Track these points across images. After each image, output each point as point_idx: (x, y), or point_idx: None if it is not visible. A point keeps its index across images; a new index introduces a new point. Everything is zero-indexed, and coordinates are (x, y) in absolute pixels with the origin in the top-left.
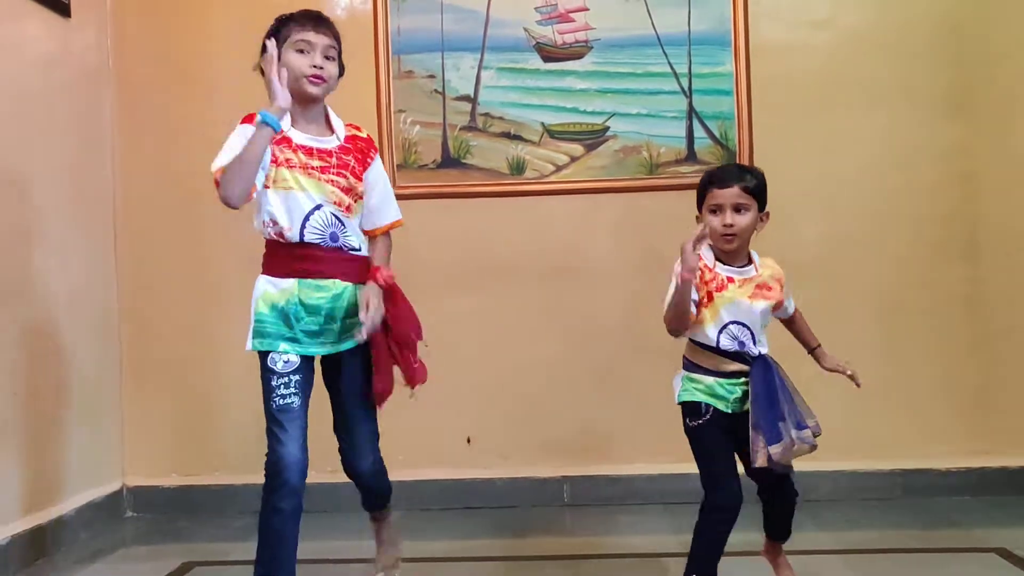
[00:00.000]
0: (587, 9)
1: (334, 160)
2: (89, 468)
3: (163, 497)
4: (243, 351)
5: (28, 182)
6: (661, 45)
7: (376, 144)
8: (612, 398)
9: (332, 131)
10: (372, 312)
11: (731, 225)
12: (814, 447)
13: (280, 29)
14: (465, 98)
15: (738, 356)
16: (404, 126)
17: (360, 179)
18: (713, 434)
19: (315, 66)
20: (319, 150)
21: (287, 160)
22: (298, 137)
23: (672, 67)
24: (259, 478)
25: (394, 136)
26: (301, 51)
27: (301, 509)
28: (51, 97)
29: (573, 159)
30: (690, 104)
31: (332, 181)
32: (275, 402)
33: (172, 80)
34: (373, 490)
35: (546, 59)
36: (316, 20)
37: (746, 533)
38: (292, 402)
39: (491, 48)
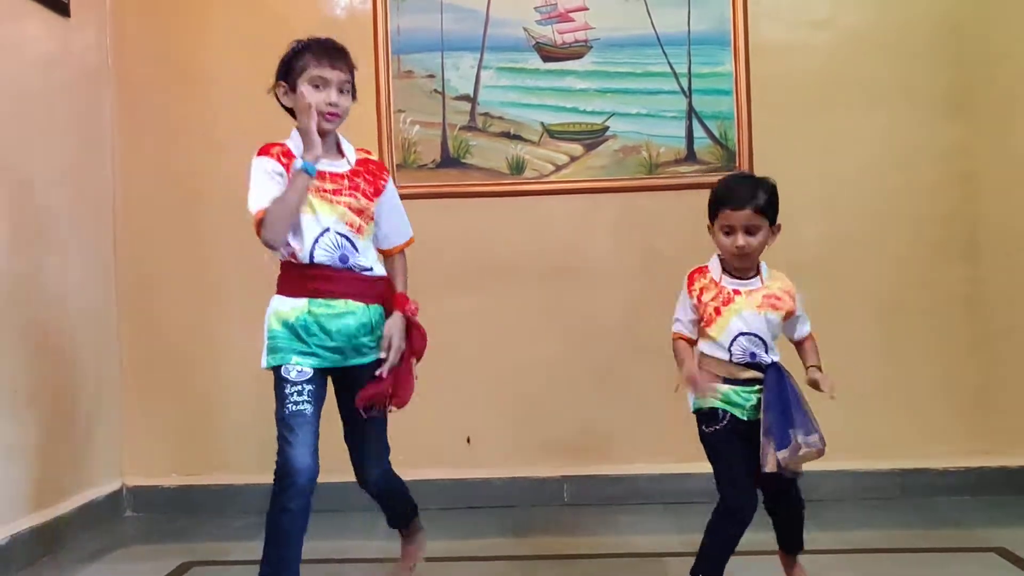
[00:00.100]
0: (587, 9)
1: (346, 183)
2: (89, 468)
3: (163, 497)
4: (243, 351)
5: (28, 182)
6: (661, 45)
7: (386, 167)
8: (612, 398)
9: (343, 155)
10: (393, 352)
11: (743, 247)
12: (821, 452)
13: (296, 59)
14: (465, 98)
15: (752, 364)
16: (404, 126)
17: (372, 200)
18: (729, 439)
19: (331, 103)
20: (332, 174)
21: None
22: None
23: (672, 67)
24: (258, 478)
25: (394, 136)
26: (316, 87)
27: (308, 511)
28: (51, 97)
29: (573, 159)
30: (690, 104)
31: (345, 203)
32: (287, 408)
33: (172, 80)
34: (385, 501)
35: (546, 59)
36: (332, 55)
37: (753, 533)
38: (304, 409)
39: (491, 48)
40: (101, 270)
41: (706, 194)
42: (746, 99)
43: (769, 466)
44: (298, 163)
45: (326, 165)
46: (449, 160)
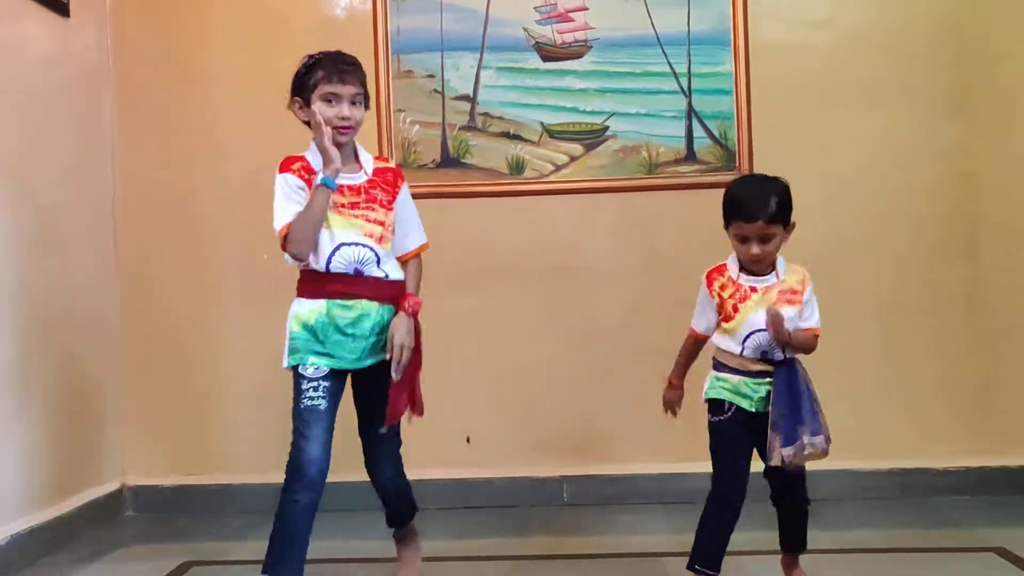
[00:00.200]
0: (586, 9)
1: (363, 196)
2: (89, 467)
3: (163, 497)
4: (242, 351)
5: (28, 182)
6: (660, 45)
7: (403, 174)
8: (611, 398)
9: (360, 166)
10: (396, 351)
11: (758, 255)
12: (826, 452)
13: (309, 75)
14: (464, 98)
15: (762, 359)
16: (403, 126)
17: (390, 209)
18: (732, 431)
19: (343, 117)
20: (349, 187)
21: None
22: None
23: (671, 67)
24: (258, 478)
25: (393, 136)
26: (329, 101)
27: (316, 505)
28: (51, 97)
29: (572, 159)
30: (689, 104)
31: (363, 216)
32: (303, 403)
33: (172, 80)
34: (391, 499)
35: (545, 59)
36: (342, 71)
37: (753, 532)
38: (319, 404)
39: (490, 48)
40: (101, 270)
41: (706, 194)
42: (746, 99)
43: (774, 460)
44: (318, 178)
45: (343, 178)
46: (449, 160)
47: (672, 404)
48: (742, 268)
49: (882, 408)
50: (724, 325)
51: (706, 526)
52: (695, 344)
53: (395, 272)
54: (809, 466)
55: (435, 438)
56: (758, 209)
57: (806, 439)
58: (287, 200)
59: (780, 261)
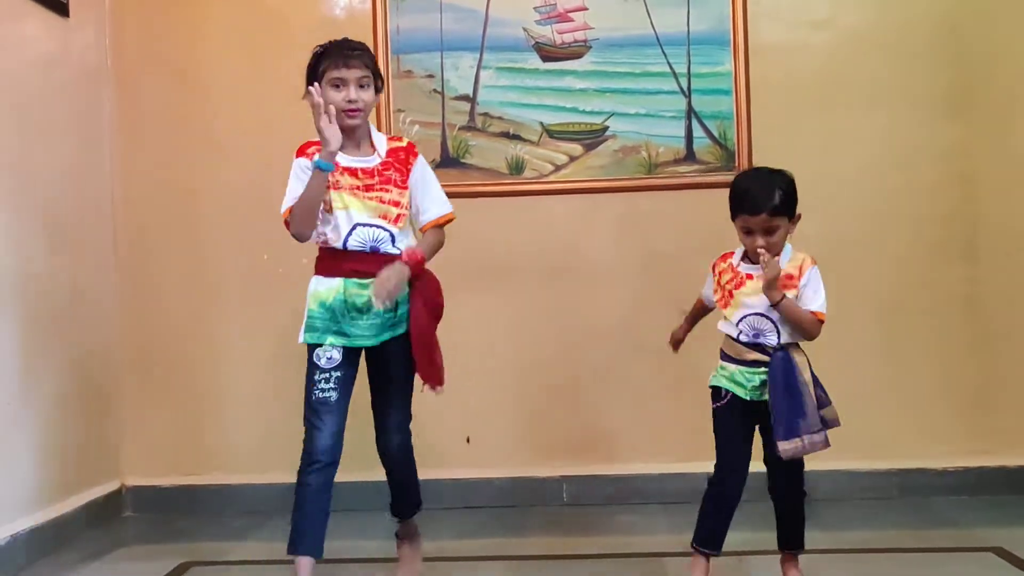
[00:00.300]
0: (586, 9)
1: (376, 178)
2: (88, 468)
3: (162, 497)
4: (242, 350)
5: (27, 182)
6: (660, 45)
7: (416, 149)
8: (611, 398)
9: (374, 149)
10: (380, 282)
11: (763, 246)
12: (827, 445)
13: (317, 64)
14: (464, 98)
15: (756, 346)
16: (403, 126)
17: (405, 188)
18: (728, 417)
19: (350, 100)
20: (363, 170)
21: (335, 183)
22: (344, 160)
23: (671, 67)
24: (257, 478)
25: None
26: (336, 86)
27: (327, 488)
28: (50, 97)
29: (572, 159)
30: (689, 104)
31: (377, 198)
32: (315, 395)
33: (171, 80)
34: (398, 478)
35: (545, 59)
36: (346, 55)
37: (753, 533)
38: (330, 396)
39: (490, 48)
40: (100, 270)
41: (705, 194)
42: (745, 99)
43: (776, 452)
44: (314, 161)
45: (357, 162)
46: (448, 160)
47: (674, 342)
48: (745, 256)
49: (881, 408)
50: (723, 311)
51: (705, 506)
52: (699, 308)
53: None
54: (808, 465)
55: (435, 438)
56: (762, 202)
57: (807, 439)
58: (295, 181)
59: (786, 250)
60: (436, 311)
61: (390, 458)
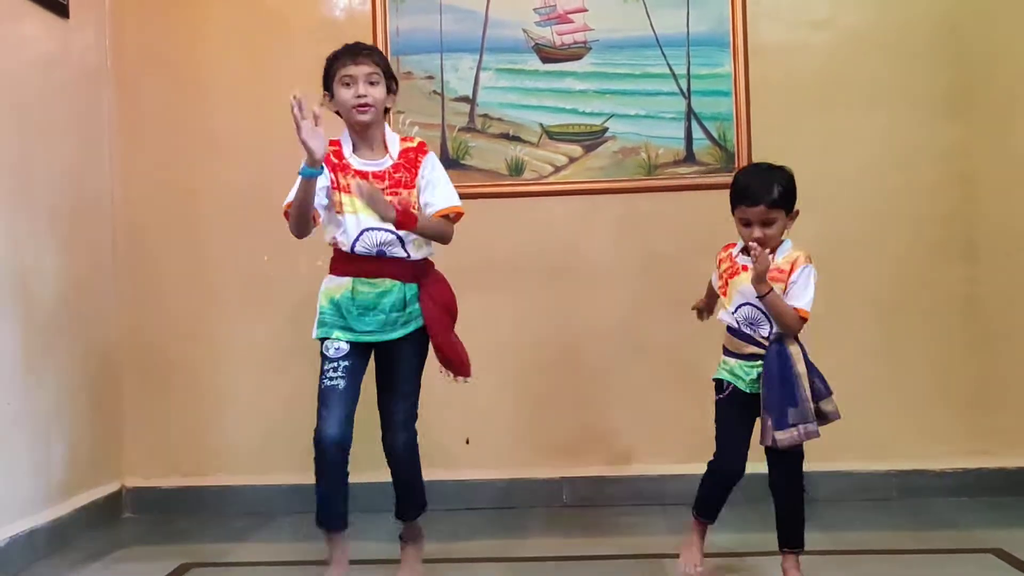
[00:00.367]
0: (586, 10)
1: (387, 181)
2: (88, 469)
3: (162, 498)
4: (242, 351)
5: (27, 182)
6: (660, 46)
7: (427, 148)
8: (611, 399)
9: (387, 151)
10: (363, 185)
11: (760, 239)
12: (816, 435)
13: (330, 67)
14: (464, 99)
15: (751, 340)
16: (403, 127)
17: (412, 187)
18: (728, 409)
19: (359, 95)
20: (374, 174)
21: (345, 186)
22: (356, 163)
23: (671, 68)
24: (257, 479)
25: None
26: (347, 84)
27: (340, 468)
28: (50, 98)
29: (572, 160)
30: (689, 105)
31: (387, 202)
32: (323, 383)
33: (171, 81)
34: (402, 478)
35: (545, 60)
36: (354, 53)
37: (753, 534)
38: (337, 384)
39: (490, 49)
40: (99, 271)
41: (705, 195)
42: (745, 100)
43: (766, 441)
44: (300, 168)
45: (369, 165)
46: (448, 161)
47: (698, 309)
48: (744, 249)
49: (880, 409)
50: (722, 299)
51: (703, 487)
52: (711, 291)
53: (417, 252)
54: (808, 466)
55: (435, 439)
56: (761, 194)
57: (801, 428)
58: (297, 183)
59: (785, 246)
60: (446, 305)
61: (395, 457)
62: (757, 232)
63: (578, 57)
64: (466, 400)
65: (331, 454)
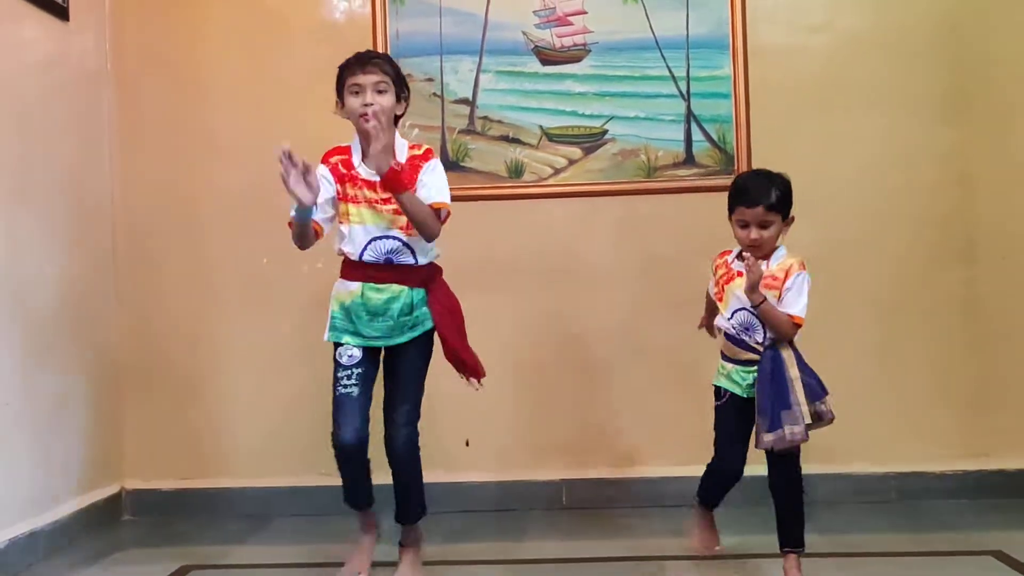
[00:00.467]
0: (585, 13)
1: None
2: (88, 471)
3: (162, 500)
4: (242, 354)
5: (27, 185)
6: (659, 48)
7: (432, 154)
8: (610, 400)
9: (395, 158)
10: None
11: (756, 240)
12: (806, 438)
13: (340, 76)
14: (464, 101)
15: (746, 345)
16: (403, 129)
17: (413, 188)
18: (725, 415)
19: (366, 104)
20: (381, 184)
21: (354, 197)
22: (364, 172)
23: (670, 70)
24: (256, 481)
25: None
26: (355, 93)
27: (359, 464)
28: (50, 100)
29: (571, 162)
30: (688, 107)
31: (393, 209)
32: (338, 390)
33: (171, 83)
34: (403, 478)
35: (544, 62)
36: (363, 62)
37: (753, 535)
38: (351, 392)
39: (489, 51)
40: (99, 274)
41: (704, 198)
42: (744, 102)
43: (759, 444)
44: (292, 209)
45: (375, 175)
46: (448, 163)
47: (704, 325)
48: (740, 255)
49: (879, 411)
50: (718, 305)
51: (704, 482)
52: (710, 302)
53: (424, 257)
54: (808, 468)
55: (434, 441)
56: (760, 195)
57: (786, 429)
58: None
59: (779, 252)
60: (452, 308)
61: (395, 455)
62: (754, 234)
63: (578, 59)
64: (466, 402)
65: (349, 454)
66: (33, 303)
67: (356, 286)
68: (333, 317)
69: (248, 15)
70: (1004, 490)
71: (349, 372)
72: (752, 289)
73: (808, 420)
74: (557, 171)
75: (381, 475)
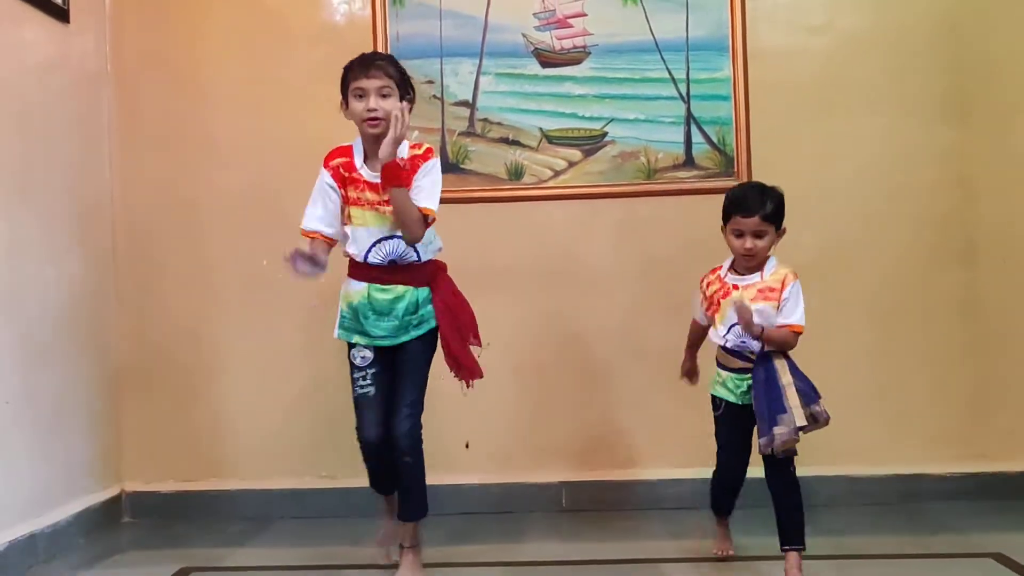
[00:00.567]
0: (585, 15)
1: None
2: (87, 473)
3: (161, 502)
4: (242, 356)
5: (27, 187)
6: (659, 50)
7: (432, 153)
8: (610, 403)
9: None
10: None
11: (751, 249)
12: (796, 440)
13: (344, 78)
14: (464, 103)
15: (741, 355)
16: None
17: (410, 187)
18: (723, 423)
19: (369, 109)
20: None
21: (356, 200)
22: (367, 175)
23: (670, 72)
24: (256, 483)
25: None
26: (359, 96)
27: (382, 455)
28: (50, 102)
29: (571, 164)
30: (688, 109)
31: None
32: (356, 391)
33: (171, 85)
34: (406, 474)
35: (544, 65)
36: (367, 66)
37: (753, 537)
38: (367, 392)
39: (489, 54)
40: (100, 275)
41: (704, 200)
42: (744, 104)
43: (763, 448)
44: (296, 262)
45: (377, 177)
46: (448, 166)
47: (687, 375)
48: (732, 268)
49: (879, 413)
50: (713, 319)
51: (712, 489)
52: (695, 330)
53: (427, 254)
54: (805, 471)
55: (434, 443)
56: (756, 206)
57: (776, 431)
58: (312, 202)
59: (770, 263)
60: (453, 307)
61: (399, 445)
62: (749, 243)
63: (577, 62)
64: (465, 404)
65: (372, 449)
66: (33, 303)
67: (362, 287)
68: (343, 316)
69: (248, 16)
70: (1004, 492)
71: (364, 373)
72: (747, 327)
73: (804, 423)
74: (557, 173)
75: None
